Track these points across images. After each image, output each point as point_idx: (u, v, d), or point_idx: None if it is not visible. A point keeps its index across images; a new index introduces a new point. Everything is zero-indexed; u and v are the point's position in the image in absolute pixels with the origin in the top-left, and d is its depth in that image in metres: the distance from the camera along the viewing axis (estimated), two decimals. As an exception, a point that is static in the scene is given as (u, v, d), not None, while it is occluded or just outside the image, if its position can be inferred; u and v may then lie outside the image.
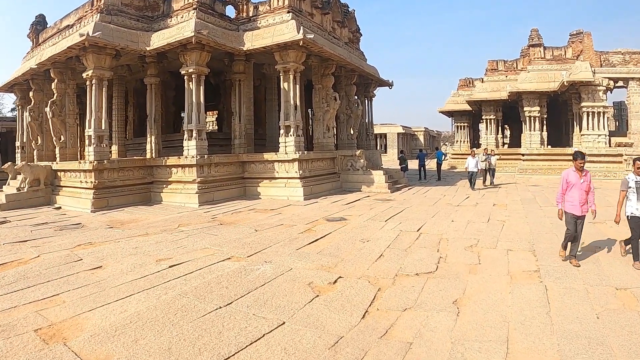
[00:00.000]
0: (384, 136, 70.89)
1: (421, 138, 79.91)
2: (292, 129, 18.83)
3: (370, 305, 6.04)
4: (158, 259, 8.57)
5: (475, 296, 6.34)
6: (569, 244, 8.11)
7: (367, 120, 28.53)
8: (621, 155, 26.52)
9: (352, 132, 25.49)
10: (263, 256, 8.68)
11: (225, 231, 11.41)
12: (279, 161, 18.95)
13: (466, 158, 22.70)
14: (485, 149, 25.43)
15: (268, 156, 19.20)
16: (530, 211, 14.43)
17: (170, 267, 7.93)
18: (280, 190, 18.54)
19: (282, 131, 19.12)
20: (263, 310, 5.81)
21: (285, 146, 18.87)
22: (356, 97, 26.45)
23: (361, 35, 27.89)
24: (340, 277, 7.29)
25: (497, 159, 26.14)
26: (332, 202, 17.06)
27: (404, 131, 71.15)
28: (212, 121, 41.98)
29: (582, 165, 7.77)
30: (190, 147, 17.89)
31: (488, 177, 23.75)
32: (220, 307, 5.92)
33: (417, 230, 11.14)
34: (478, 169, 21.46)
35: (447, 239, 10.08)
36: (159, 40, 18.20)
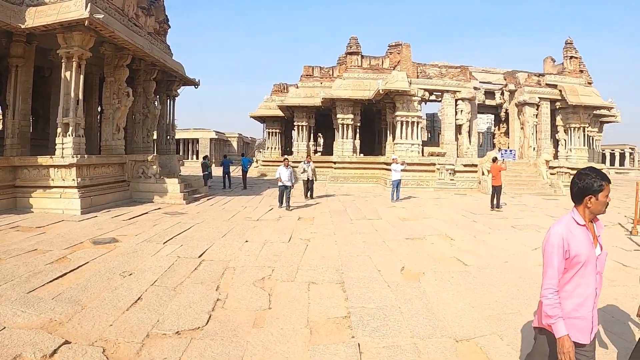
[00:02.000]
0: (196, 141, 68.80)
1: (235, 144, 78.99)
2: (71, 128, 15.55)
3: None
4: None
5: (254, 373, 4.22)
6: None
7: (167, 122, 25.72)
8: (434, 164, 27.11)
9: (148, 134, 22.64)
10: (-26, 305, 5.84)
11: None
12: (54, 166, 15.49)
13: (278, 165, 20.31)
14: (307, 157, 23.24)
15: (42, 160, 15.61)
16: (340, 226, 12.99)
17: None
18: (56, 202, 15.13)
19: (59, 130, 15.74)
20: None
21: (63, 148, 15.51)
22: (157, 96, 23.67)
23: (169, 27, 25.01)
24: (65, 342, 4.78)
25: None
26: (114, 216, 14.12)
27: (217, 137, 69.66)
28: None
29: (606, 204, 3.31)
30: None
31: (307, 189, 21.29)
32: None
33: (199, 256, 8.82)
34: (293, 182, 18.00)
35: (234, 268, 7.92)
36: None
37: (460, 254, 9.53)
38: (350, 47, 32.30)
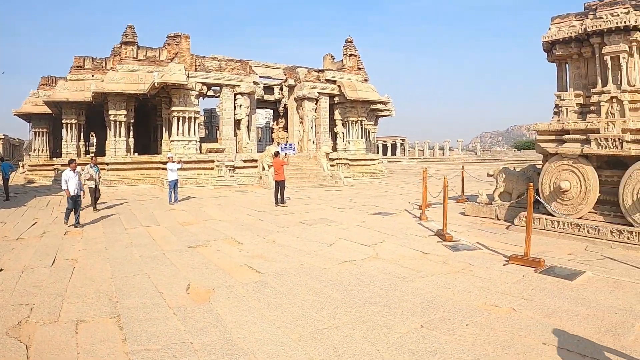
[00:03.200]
0: (-50, 145, 60.30)
1: (0, 147, 70.77)
2: None
3: None
4: None
5: None
6: None
7: None
8: (213, 161, 26.53)
9: None
10: None
11: None
12: None
13: (47, 170, 17.00)
14: (93, 158, 19.87)
15: None
16: (113, 238, 11.47)
17: None
18: None
19: None
20: None
21: None
22: None
23: None
24: None
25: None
26: None
27: (-23, 140, 61.64)
28: None
29: None
30: None
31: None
32: None
33: None
34: (83, 191, 14.55)
35: (-17, 313, 6.15)
36: None
37: (251, 261, 8.92)
38: (126, 37, 29.78)
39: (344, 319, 5.74)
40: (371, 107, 35.86)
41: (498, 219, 13.44)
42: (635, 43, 10.89)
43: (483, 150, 71.09)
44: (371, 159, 33.40)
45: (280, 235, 11.58)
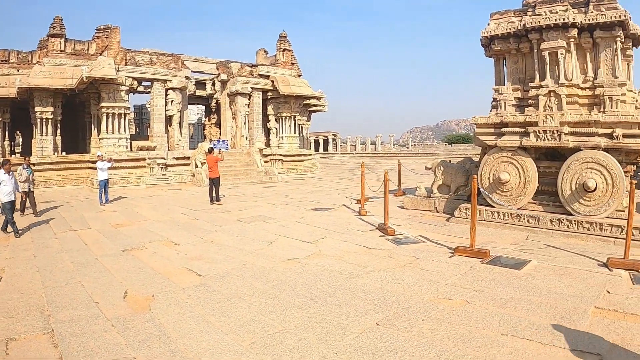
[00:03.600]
0: None
1: None
2: None
3: None
4: None
5: None
6: None
7: None
8: (144, 159, 25.69)
9: None
10: None
11: None
12: None
13: None
14: (26, 159, 18.10)
15: None
16: (42, 244, 10.68)
17: None
18: None
19: None
20: None
21: None
22: None
23: None
24: None
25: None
26: None
27: None
28: None
29: None
30: None
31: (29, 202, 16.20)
32: None
33: None
34: (15, 196, 12.90)
35: None
36: None
37: (190, 263, 8.49)
38: (54, 29, 28.06)
39: (295, 321, 5.46)
40: (304, 102, 35.83)
41: (437, 212, 13.50)
42: (572, 39, 11.25)
43: (414, 145, 72.63)
44: (305, 155, 33.25)
45: (219, 235, 11.18)
